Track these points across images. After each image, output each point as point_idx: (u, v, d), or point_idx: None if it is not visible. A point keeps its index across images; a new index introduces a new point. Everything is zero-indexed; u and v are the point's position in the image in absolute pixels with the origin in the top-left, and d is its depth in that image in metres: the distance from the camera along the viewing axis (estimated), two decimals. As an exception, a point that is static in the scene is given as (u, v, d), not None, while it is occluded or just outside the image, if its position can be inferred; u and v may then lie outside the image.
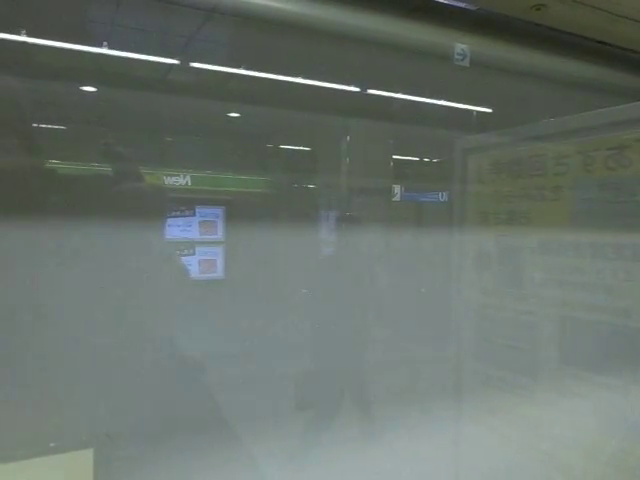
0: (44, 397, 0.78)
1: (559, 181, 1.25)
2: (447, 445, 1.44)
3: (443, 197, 3.57)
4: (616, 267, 1.12)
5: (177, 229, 2.11)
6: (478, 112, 2.21)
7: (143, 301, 0.92)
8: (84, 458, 0.76)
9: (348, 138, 3.29)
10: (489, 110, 2.20)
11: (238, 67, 2.28)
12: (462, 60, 1.03)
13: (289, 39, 1.16)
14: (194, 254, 2.17)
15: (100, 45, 1.90)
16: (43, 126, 1.25)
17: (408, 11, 0.87)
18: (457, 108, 2.22)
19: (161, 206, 1.04)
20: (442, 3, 0.87)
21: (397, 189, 3.51)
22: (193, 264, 2.19)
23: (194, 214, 2.19)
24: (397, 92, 2.31)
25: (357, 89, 2.31)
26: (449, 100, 2.15)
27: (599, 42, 1.00)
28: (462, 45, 1.02)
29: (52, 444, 0.75)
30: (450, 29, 0.97)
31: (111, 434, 0.78)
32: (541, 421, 1.26)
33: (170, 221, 2.00)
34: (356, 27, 0.91)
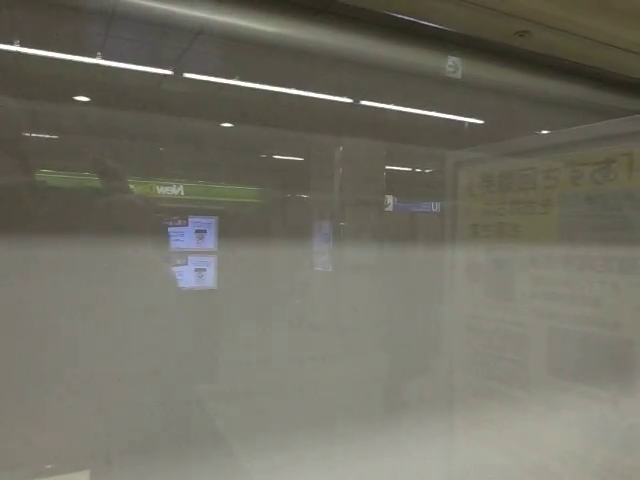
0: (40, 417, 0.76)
1: (548, 194, 1.27)
2: (436, 456, 1.44)
3: (435, 207, 3.60)
4: (604, 279, 1.14)
5: (170, 239, 2.11)
6: (468, 127, 2.25)
7: (138, 312, 0.92)
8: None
9: (341, 149, 3.31)
10: (479, 125, 2.24)
11: (231, 79, 2.29)
12: (454, 72, 1.05)
13: (296, 58, 1.17)
14: (187, 264, 2.17)
15: (93, 56, 1.91)
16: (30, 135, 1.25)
17: (396, 31, 0.89)
18: (448, 124, 2.25)
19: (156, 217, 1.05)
20: (430, 26, 0.89)
21: (390, 200, 3.54)
22: (187, 274, 2.19)
23: (187, 224, 2.19)
24: (390, 106, 2.34)
25: (350, 101, 2.33)
26: (440, 115, 2.18)
27: (581, 64, 1.03)
28: (454, 57, 1.04)
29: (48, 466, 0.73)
30: (439, 49, 1.00)
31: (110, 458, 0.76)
32: (530, 431, 1.27)
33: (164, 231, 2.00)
34: (345, 48, 0.93)
